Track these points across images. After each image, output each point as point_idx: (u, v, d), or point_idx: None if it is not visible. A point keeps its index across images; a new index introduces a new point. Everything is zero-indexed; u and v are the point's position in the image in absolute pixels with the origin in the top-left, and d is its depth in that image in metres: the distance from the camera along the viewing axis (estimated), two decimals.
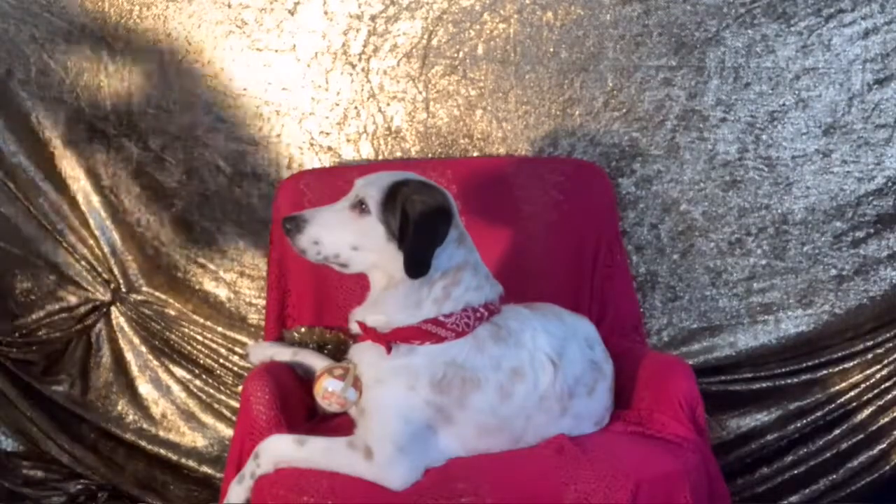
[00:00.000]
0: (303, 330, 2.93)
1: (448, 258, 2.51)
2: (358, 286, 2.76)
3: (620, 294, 3.12)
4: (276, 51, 3.35)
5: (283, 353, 2.83)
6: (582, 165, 3.27)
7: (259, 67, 3.36)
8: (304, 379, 2.78)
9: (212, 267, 3.45)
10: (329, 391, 2.51)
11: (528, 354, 2.55)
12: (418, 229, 2.43)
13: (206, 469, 3.46)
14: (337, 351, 2.83)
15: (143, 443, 3.47)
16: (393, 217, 2.47)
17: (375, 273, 2.55)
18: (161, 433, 3.48)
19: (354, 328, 2.61)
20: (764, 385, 3.42)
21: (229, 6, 3.34)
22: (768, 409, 3.43)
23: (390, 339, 2.50)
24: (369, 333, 2.54)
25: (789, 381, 3.42)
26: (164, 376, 3.48)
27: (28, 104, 3.38)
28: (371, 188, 2.52)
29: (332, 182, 3.03)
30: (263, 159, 3.39)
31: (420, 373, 2.47)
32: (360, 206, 2.51)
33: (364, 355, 2.55)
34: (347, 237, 2.51)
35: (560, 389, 2.58)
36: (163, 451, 3.46)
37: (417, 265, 2.44)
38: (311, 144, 3.38)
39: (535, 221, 3.10)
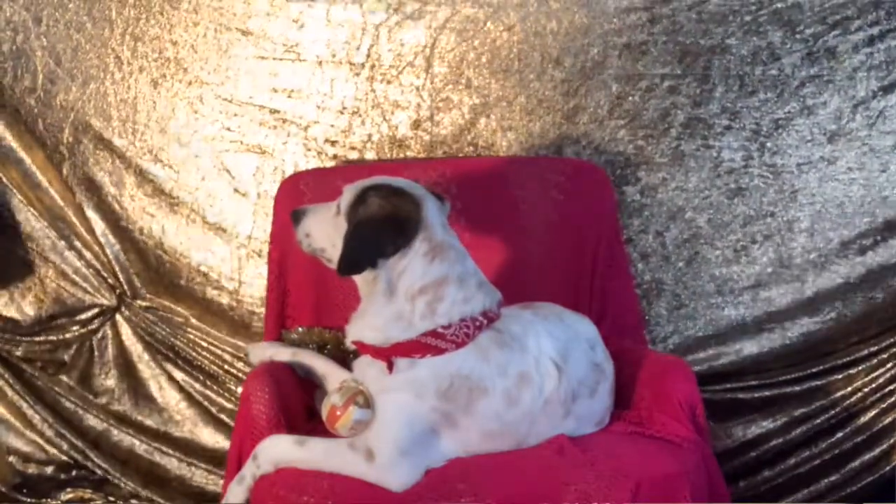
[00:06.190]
0: (301, 330, 2.92)
1: (419, 273, 2.50)
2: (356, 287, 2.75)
3: (620, 294, 3.11)
4: (281, 59, 3.37)
5: (283, 354, 2.83)
6: (582, 166, 3.26)
7: (264, 76, 3.37)
8: (304, 379, 2.78)
9: (213, 275, 3.45)
10: (360, 421, 2.47)
11: (533, 359, 2.55)
12: (357, 228, 2.50)
13: (207, 472, 3.45)
14: (337, 351, 2.83)
15: (145, 446, 3.47)
16: (354, 217, 2.53)
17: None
18: (164, 437, 3.48)
19: (351, 347, 2.62)
20: (769, 393, 3.40)
21: (234, 15, 3.35)
22: (773, 417, 3.40)
23: (390, 355, 2.49)
24: (368, 350, 2.54)
25: (795, 388, 3.39)
26: (168, 381, 3.48)
27: (35, 111, 3.40)
28: (348, 191, 2.60)
29: (332, 182, 3.02)
30: (269, 167, 3.39)
31: (426, 384, 2.46)
32: (339, 207, 2.60)
33: (368, 371, 2.54)
34: (329, 233, 2.61)
35: (564, 393, 2.57)
36: (165, 455, 3.46)
37: (347, 263, 2.50)
38: (318, 153, 3.38)
39: (535, 222, 3.09)
